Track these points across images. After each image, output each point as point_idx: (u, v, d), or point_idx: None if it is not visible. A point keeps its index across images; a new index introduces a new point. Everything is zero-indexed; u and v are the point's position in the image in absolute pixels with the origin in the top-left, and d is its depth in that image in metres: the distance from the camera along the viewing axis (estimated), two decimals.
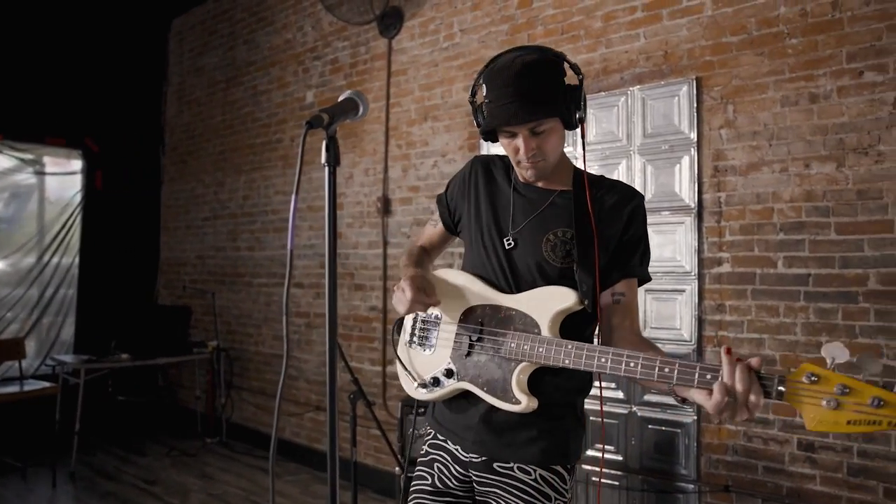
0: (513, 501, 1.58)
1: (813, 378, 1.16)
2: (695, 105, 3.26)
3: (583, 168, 1.68)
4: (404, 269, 1.80)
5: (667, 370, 1.35)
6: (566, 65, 1.59)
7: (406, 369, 1.74)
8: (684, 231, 3.30)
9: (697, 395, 1.33)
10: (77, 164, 6.19)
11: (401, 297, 1.64)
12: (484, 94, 1.58)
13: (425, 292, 1.65)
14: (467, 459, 1.65)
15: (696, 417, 3.25)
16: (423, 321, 1.77)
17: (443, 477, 1.70)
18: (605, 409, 3.44)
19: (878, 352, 2.76)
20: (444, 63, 4.36)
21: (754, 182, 3.10)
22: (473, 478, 1.66)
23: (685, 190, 3.30)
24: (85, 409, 4.82)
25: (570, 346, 1.47)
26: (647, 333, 3.37)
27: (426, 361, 1.71)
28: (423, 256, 1.91)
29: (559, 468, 1.61)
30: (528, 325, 1.56)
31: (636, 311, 1.66)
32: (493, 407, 1.59)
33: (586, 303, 1.55)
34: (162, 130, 6.82)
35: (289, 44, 5.43)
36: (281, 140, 5.46)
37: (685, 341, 3.29)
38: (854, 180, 2.84)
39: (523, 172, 1.64)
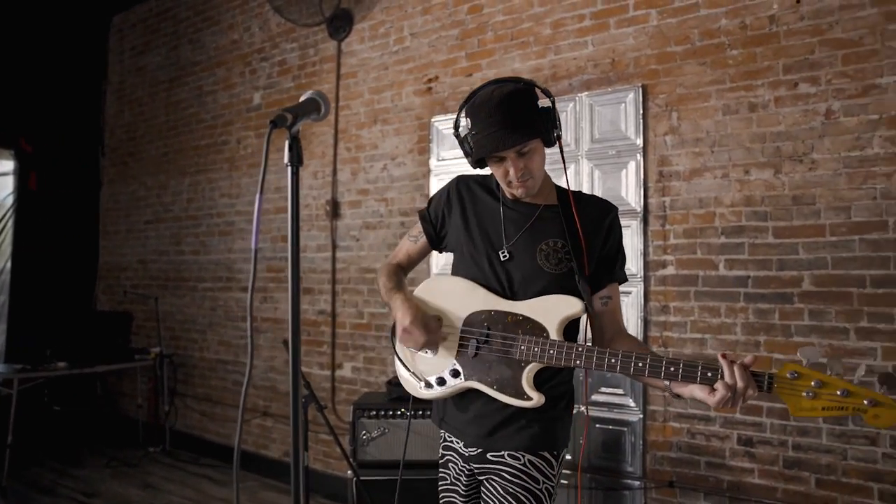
0: (505, 483, 1.72)
1: (794, 375, 1.44)
2: (641, 112, 3.34)
3: (565, 181, 1.84)
4: (391, 293, 1.88)
5: (672, 369, 1.53)
6: (538, 90, 1.75)
7: (410, 371, 1.84)
8: (631, 234, 3.37)
9: (698, 392, 1.53)
10: (9, 165, 5.92)
11: (410, 339, 1.76)
12: (469, 126, 1.74)
13: (429, 328, 1.77)
14: (467, 454, 1.81)
15: (641, 416, 3.32)
16: None
17: (455, 474, 1.87)
18: (604, 414, 3.48)
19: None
20: (394, 66, 4.35)
21: (697, 187, 3.20)
22: (474, 470, 1.81)
23: (631, 194, 3.38)
24: (18, 420, 4.61)
25: (580, 349, 1.62)
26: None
27: (430, 363, 1.81)
28: (402, 276, 2.00)
29: (546, 454, 1.74)
30: (536, 329, 1.70)
31: (620, 310, 1.87)
32: (490, 405, 1.74)
33: (589, 309, 1.71)
34: (101, 131, 6.59)
35: (235, 44, 5.33)
36: (227, 142, 5.35)
37: None
38: (790, 186, 2.96)
39: (514, 191, 1.78)
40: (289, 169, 1.30)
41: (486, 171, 1.85)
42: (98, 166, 6.59)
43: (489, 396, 1.74)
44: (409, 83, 4.28)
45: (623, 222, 3.32)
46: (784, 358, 2.95)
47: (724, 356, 1.49)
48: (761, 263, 3.03)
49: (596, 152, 3.50)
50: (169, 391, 5.57)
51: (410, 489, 2.81)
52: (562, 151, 1.86)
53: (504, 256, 1.79)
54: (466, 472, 1.83)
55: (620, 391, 3.39)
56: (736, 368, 1.47)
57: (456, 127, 1.81)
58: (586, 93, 3.53)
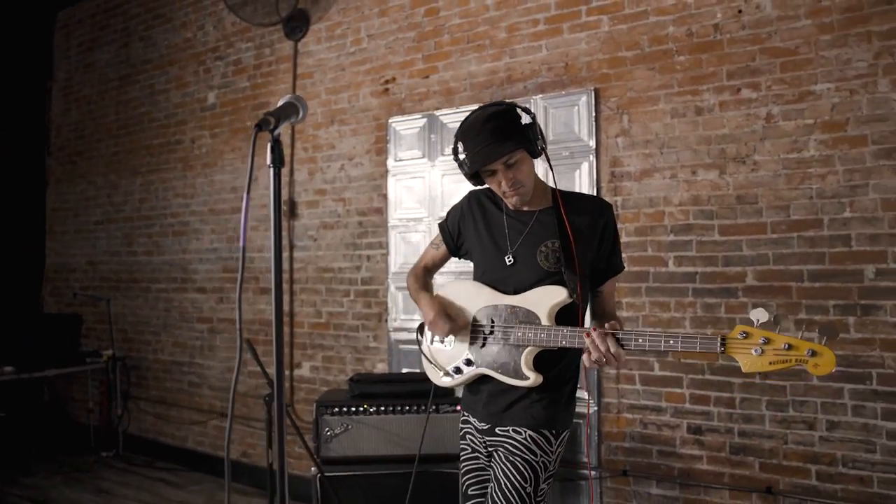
0: (507, 453, 1.96)
1: (744, 335, 1.60)
2: (593, 114, 3.46)
3: (555, 188, 2.08)
4: (418, 293, 2.18)
5: (572, 339, 1.85)
6: (518, 109, 2.00)
7: (432, 363, 2.11)
8: None
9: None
10: None
11: (437, 329, 2.05)
12: (462, 149, 1.96)
13: (449, 317, 2.04)
14: (481, 428, 2.04)
15: (596, 409, 3.44)
16: None
17: (472, 443, 2.10)
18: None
19: None
20: (351, 68, 4.38)
21: (647, 187, 3.33)
22: (487, 442, 2.04)
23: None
24: None
25: (564, 331, 1.85)
26: None
27: (448, 355, 2.08)
28: (427, 278, 2.29)
29: (546, 432, 1.95)
30: (530, 317, 1.93)
31: (613, 296, 2.15)
32: (498, 387, 1.98)
33: (574, 296, 1.91)
34: (47, 129, 6.41)
35: (189, 43, 5.26)
36: (180, 141, 5.28)
37: None
38: (734, 186, 3.11)
39: (509, 201, 2.00)
40: (271, 170, 1.33)
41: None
42: (44, 166, 6.41)
43: (498, 380, 1.97)
44: (366, 84, 4.31)
45: None
46: None
47: (587, 335, 1.78)
48: (708, 260, 3.17)
49: (550, 153, 3.54)
50: (122, 394, 5.46)
51: (376, 484, 2.85)
52: (548, 159, 2.03)
53: (509, 261, 2.02)
54: (482, 444, 2.06)
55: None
56: (595, 337, 1.76)
57: (455, 153, 2.03)
58: (541, 95, 3.63)
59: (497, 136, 1.89)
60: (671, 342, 1.71)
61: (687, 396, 3.21)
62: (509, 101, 1.99)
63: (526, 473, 1.91)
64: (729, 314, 3.10)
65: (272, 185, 1.33)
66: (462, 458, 2.15)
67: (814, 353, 1.51)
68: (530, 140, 1.95)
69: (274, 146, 1.35)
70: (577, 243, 1.95)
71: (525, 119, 1.99)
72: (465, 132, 1.96)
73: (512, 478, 1.91)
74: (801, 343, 1.54)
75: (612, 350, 1.74)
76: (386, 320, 4.13)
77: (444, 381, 2.10)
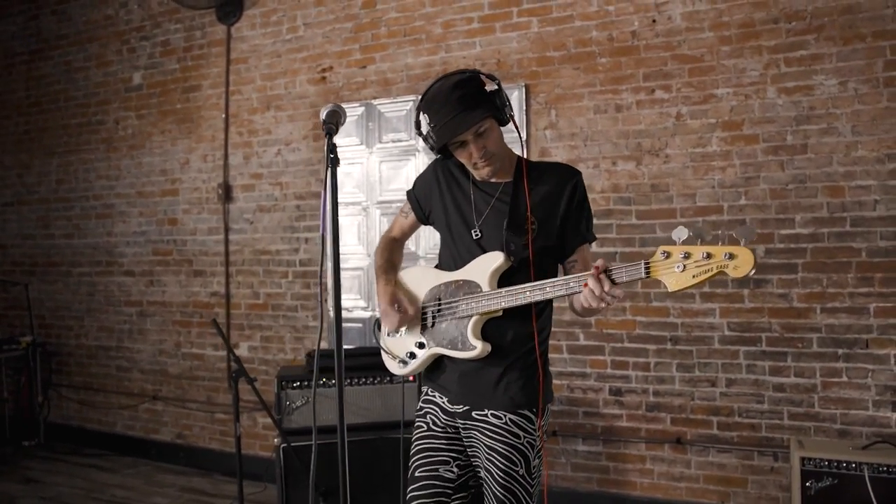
0: (489, 440, 1.93)
1: (665, 254, 1.59)
2: (524, 108, 3.84)
3: (523, 156, 2.07)
4: (378, 273, 2.15)
5: (549, 288, 1.79)
6: (482, 76, 1.93)
7: (388, 354, 2.13)
8: None
9: (578, 302, 1.80)
10: None
11: (387, 320, 2.06)
12: (427, 122, 1.90)
13: (401, 307, 2.04)
14: (453, 410, 2.00)
15: None
16: None
17: (433, 423, 2.05)
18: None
19: (667, 313, 3.55)
20: (287, 55, 4.56)
21: None
22: (459, 424, 2.00)
23: None
24: None
25: (503, 292, 1.85)
26: None
27: (401, 343, 2.10)
28: (396, 250, 2.25)
29: (526, 412, 1.93)
30: (473, 287, 1.93)
31: (589, 267, 1.92)
32: (469, 366, 1.94)
33: (513, 259, 1.90)
34: None
35: (110, 20, 5.23)
36: (103, 122, 5.27)
37: None
38: (649, 176, 3.60)
39: (480, 172, 1.94)
40: (329, 170, 1.54)
41: None
42: None
43: (462, 359, 1.94)
44: (302, 72, 4.51)
45: None
46: (646, 320, 3.60)
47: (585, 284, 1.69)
48: (626, 241, 3.65)
49: None
50: (42, 382, 5.44)
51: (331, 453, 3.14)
52: (517, 127, 2.02)
53: (476, 235, 1.98)
54: (448, 425, 2.01)
55: None
56: (589, 280, 1.66)
57: (417, 126, 1.96)
58: None
59: (465, 105, 1.82)
60: (572, 284, 1.73)
61: (609, 363, 3.69)
62: (472, 69, 1.94)
63: (514, 457, 1.89)
64: (644, 289, 3.60)
65: (329, 182, 1.51)
66: (416, 436, 2.07)
67: (731, 256, 1.49)
68: (498, 107, 1.89)
69: (332, 148, 1.57)
70: (538, 209, 1.92)
71: (490, 86, 1.92)
72: (430, 103, 1.88)
73: (502, 465, 1.89)
74: (717, 249, 1.51)
75: (606, 288, 1.64)
76: (326, 300, 4.40)
77: (401, 368, 2.10)
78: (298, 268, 4.55)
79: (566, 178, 1.98)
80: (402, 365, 2.10)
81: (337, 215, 1.48)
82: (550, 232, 1.95)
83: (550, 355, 3.74)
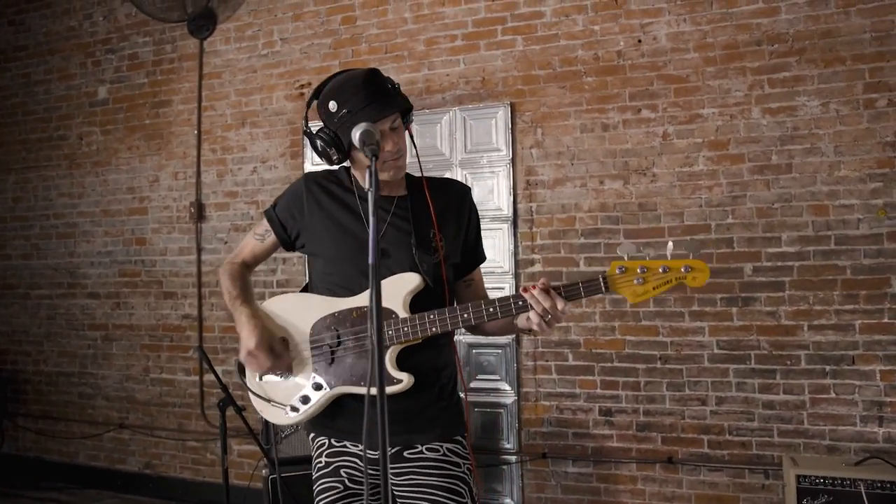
0: (430, 478, 1.77)
1: (622, 269, 1.69)
2: (510, 126, 3.89)
3: (419, 169, 1.93)
4: (235, 303, 1.87)
5: (491, 309, 1.71)
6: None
7: (268, 401, 1.82)
8: (502, 236, 3.92)
9: (524, 322, 1.71)
10: None
11: (255, 363, 1.78)
12: (336, 108, 1.72)
13: (275, 352, 1.79)
14: (375, 455, 1.68)
15: (516, 398, 3.89)
16: None
17: (351, 479, 1.82)
18: (489, 399, 3.94)
19: (656, 331, 3.62)
20: (263, 70, 4.52)
21: (560, 195, 3.81)
22: (392, 471, 1.77)
23: (503, 200, 3.92)
24: None
25: (432, 316, 1.72)
26: None
27: (287, 387, 1.82)
28: (247, 277, 1.99)
29: (458, 437, 1.84)
30: (385, 314, 1.71)
31: (483, 282, 2.03)
32: (391, 401, 1.69)
33: (427, 280, 1.78)
34: None
35: (73, 32, 5.12)
36: (66, 137, 5.13)
37: None
38: (636, 195, 3.67)
39: (387, 172, 1.79)
40: (371, 193, 1.47)
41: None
42: None
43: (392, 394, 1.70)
44: (279, 87, 4.48)
45: (495, 225, 3.91)
46: (635, 339, 3.66)
47: (524, 290, 1.68)
48: (615, 260, 3.70)
49: (469, 162, 3.99)
50: None
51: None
52: (412, 137, 1.90)
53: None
54: (372, 476, 1.76)
55: (496, 377, 3.93)
56: (536, 294, 1.64)
57: (325, 113, 1.77)
58: (459, 107, 4.01)
59: (383, 94, 1.73)
60: (520, 303, 1.68)
61: (598, 383, 3.73)
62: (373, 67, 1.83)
63: (458, 488, 1.78)
64: (633, 308, 3.66)
65: (371, 204, 1.46)
66: (328, 499, 1.82)
67: (689, 269, 1.63)
68: (407, 108, 1.82)
69: (374, 169, 1.51)
70: (442, 226, 1.85)
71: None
72: (340, 90, 1.73)
73: (448, 501, 1.77)
74: (675, 262, 1.64)
75: (559, 305, 1.64)
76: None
77: (291, 416, 1.81)
78: (276, 289, 4.49)
79: (463, 194, 1.96)
80: (290, 412, 1.81)
81: (378, 243, 1.45)
82: (455, 250, 1.89)
83: (540, 376, 3.79)
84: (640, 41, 3.66)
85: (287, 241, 1.95)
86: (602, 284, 1.69)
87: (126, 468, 4.91)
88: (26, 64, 5.30)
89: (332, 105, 1.73)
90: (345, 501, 1.81)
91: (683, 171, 3.58)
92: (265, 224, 1.97)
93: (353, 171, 1.92)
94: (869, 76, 3.31)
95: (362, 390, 1.71)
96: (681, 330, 3.58)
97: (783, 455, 3.31)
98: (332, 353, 1.79)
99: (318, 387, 1.79)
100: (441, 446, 1.81)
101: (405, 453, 1.80)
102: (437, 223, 1.84)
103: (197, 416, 4.67)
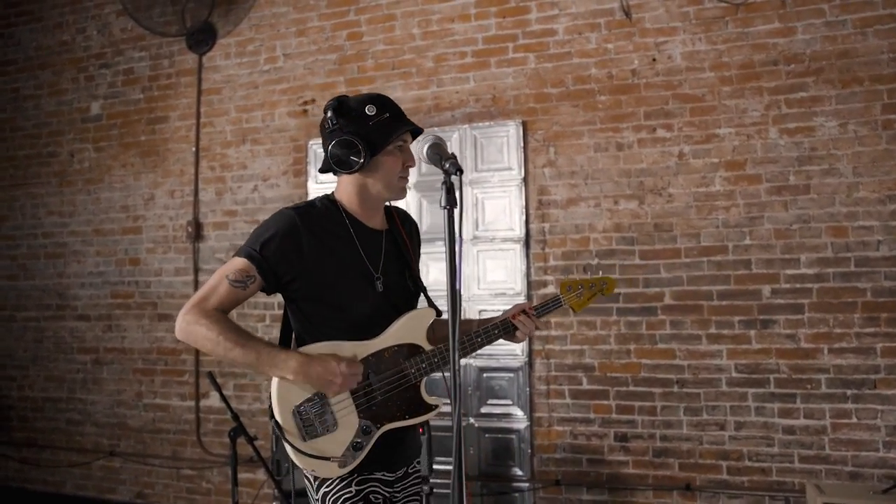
0: (415, 487, 2.07)
1: (570, 289, 2.17)
2: (521, 145, 3.92)
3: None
4: (265, 351, 1.82)
5: (496, 332, 2.03)
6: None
7: (321, 458, 1.83)
8: (514, 256, 3.94)
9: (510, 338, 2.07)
10: None
11: (353, 379, 1.84)
12: (377, 110, 1.85)
13: (348, 365, 1.83)
14: (393, 477, 1.97)
15: (528, 423, 3.89)
16: (299, 412, 1.84)
17: (378, 499, 1.94)
18: (443, 423, 3.92)
19: (673, 355, 3.65)
20: (265, 86, 4.53)
21: (573, 215, 3.84)
22: (399, 487, 2.01)
23: (514, 220, 3.94)
24: None
25: (484, 330, 2.00)
26: (483, 350, 3.95)
27: (335, 439, 1.85)
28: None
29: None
30: (412, 350, 1.92)
31: None
32: (398, 430, 1.92)
33: (437, 311, 2.01)
34: None
35: (66, 46, 5.10)
36: (56, 154, 5.10)
37: (517, 355, 3.92)
38: (652, 215, 3.71)
39: (400, 186, 1.93)
40: (446, 211, 1.53)
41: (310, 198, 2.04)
42: None
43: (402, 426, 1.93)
44: (282, 104, 4.49)
45: (507, 246, 3.93)
46: (651, 363, 3.68)
47: (514, 317, 2.02)
48: (630, 282, 3.74)
49: (479, 181, 4.02)
50: None
51: None
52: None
53: (380, 288, 1.92)
54: (390, 497, 1.97)
55: (508, 401, 3.93)
56: (524, 319, 2.02)
57: (356, 118, 1.84)
58: (469, 125, 4.04)
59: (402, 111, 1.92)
60: (510, 327, 2.03)
61: (613, 407, 3.75)
62: None
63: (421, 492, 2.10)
64: (649, 331, 3.69)
65: (447, 223, 1.51)
66: None
67: (605, 281, 2.21)
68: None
69: (451, 187, 1.55)
70: (416, 259, 2.08)
71: None
72: (375, 98, 1.89)
73: None
74: (596, 279, 2.20)
75: (537, 325, 2.04)
76: None
77: (347, 467, 1.86)
78: (276, 310, 4.47)
79: (415, 226, 2.16)
80: (341, 465, 1.85)
81: (455, 261, 1.48)
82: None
83: (553, 400, 3.79)
84: (654, 60, 3.72)
85: (276, 286, 1.88)
86: (561, 301, 2.13)
87: (116, 497, 4.84)
88: (15, 79, 5.27)
89: (371, 109, 1.84)
90: None
91: (700, 192, 3.63)
92: (247, 268, 1.82)
93: (339, 198, 1.97)
94: (887, 97, 3.38)
95: (409, 422, 1.92)
96: (698, 353, 3.60)
97: (806, 482, 3.33)
98: (371, 395, 1.88)
99: (367, 430, 1.87)
100: (418, 461, 2.12)
101: (408, 469, 2.04)
102: (412, 255, 2.05)
103: (192, 443, 4.62)
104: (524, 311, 2.03)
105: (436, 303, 2.03)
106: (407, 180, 1.94)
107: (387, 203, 2.04)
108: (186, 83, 4.74)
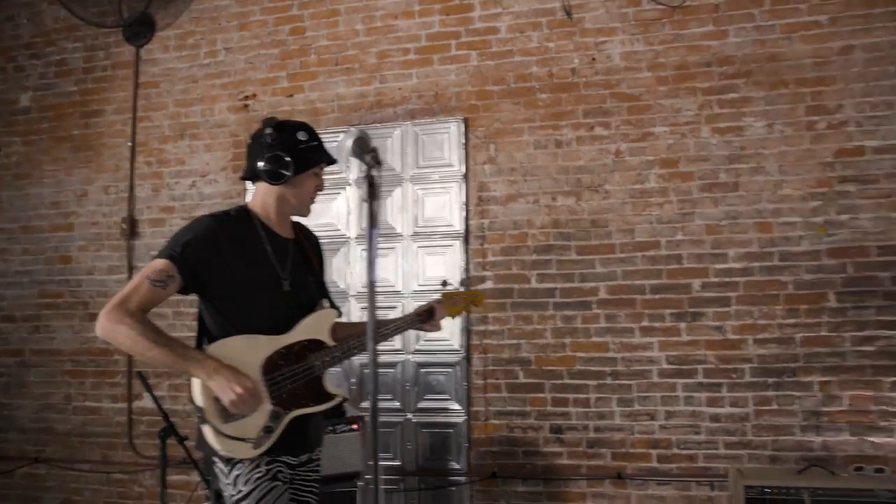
0: (315, 475, 2.27)
1: (450, 297, 2.51)
2: (463, 142, 4.02)
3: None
4: (180, 352, 1.95)
5: (402, 324, 2.43)
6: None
7: (237, 439, 1.99)
8: (453, 253, 4.02)
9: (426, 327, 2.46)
10: None
11: (252, 401, 1.97)
12: (304, 139, 2.14)
13: (253, 385, 1.98)
14: (297, 462, 2.18)
15: (466, 417, 3.96)
16: (218, 398, 1.98)
17: (283, 479, 2.13)
18: (383, 419, 3.97)
19: (606, 347, 3.77)
20: (204, 80, 4.53)
21: (512, 211, 3.95)
22: (298, 472, 2.20)
23: (454, 216, 4.03)
24: None
25: (353, 342, 2.21)
26: (421, 346, 4.03)
27: (249, 423, 2.00)
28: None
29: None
30: (316, 345, 2.17)
31: None
32: (303, 417, 2.13)
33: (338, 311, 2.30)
34: None
35: None
36: None
37: (455, 350, 3.99)
38: (588, 212, 3.84)
39: (310, 204, 2.24)
40: (366, 204, 1.59)
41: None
42: None
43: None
44: (222, 98, 4.49)
45: (446, 242, 4.02)
46: (585, 356, 3.80)
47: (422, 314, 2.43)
48: (566, 277, 3.86)
49: (420, 177, 4.10)
50: None
51: None
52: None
53: (286, 288, 2.16)
54: (293, 479, 2.18)
55: (446, 396, 4.00)
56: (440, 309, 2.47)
57: (287, 141, 2.10)
58: (411, 121, 4.12)
59: None
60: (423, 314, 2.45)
61: (549, 400, 3.85)
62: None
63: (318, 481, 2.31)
64: (584, 324, 3.81)
65: (367, 215, 1.58)
66: (272, 487, 2.07)
67: (475, 294, 2.66)
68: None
69: (372, 180, 1.61)
70: (321, 267, 2.35)
71: None
72: (307, 128, 2.18)
73: (317, 492, 2.27)
74: (469, 293, 2.83)
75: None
76: None
77: (259, 449, 2.03)
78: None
79: (317, 240, 2.42)
80: (255, 446, 2.02)
81: (373, 252, 1.56)
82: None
83: (490, 394, 3.88)
84: (594, 59, 3.87)
85: (193, 285, 2.05)
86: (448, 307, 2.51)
87: None
88: None
89: (302, 135, 2.14)
90: (284, 489, 2.13)
91: (635, 189, 3.78)
92: (167, 268, 1.98)
93: (253, 207, 2.20)
94: (811, 99, 3.60)
95: (315, 409, 2.15)
96: (631, 345, 3.74)
97: (730, 467, 3.48)
98: (280, 385, 2.08)
99: (276, 415, 2.06)
100: (319, 449, 2.31)
101: (311, 456, 2.24)
102: (315, 262, 2.32)
103: (124, 447, 4.54)
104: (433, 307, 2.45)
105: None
106: (314, 202, 2.24)
107: (293, 218, 2.28)
108: (123, 76, 4.69)
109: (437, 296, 2.55)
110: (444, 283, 3.39)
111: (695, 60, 3.74)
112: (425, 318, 2.42)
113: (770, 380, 3.57)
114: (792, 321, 3.56)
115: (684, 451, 3.66)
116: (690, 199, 3.71)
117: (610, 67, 3.84)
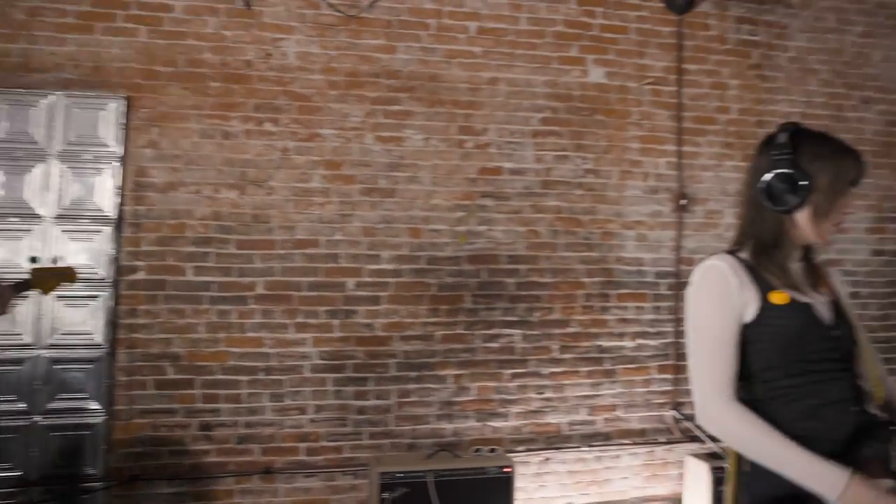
0: None
1: (39, 272, 2.74)
2: (122, 122, 3.78)
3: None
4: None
5: None
6: None
7: None
8: (102, 239, 3.75)
9: None
10: None
11: None
12: None
13: None
14: None
15: (105, 417, 3.70)
16: None
17: None
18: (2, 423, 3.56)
19: (261, 343, 3.81)
20: None
21: (172, 200, 3.81)
22: None
23: (106, 200, 3.77)
24: None
25: None
26: (55, 340, 3.69)
27: None
28: None
29: None
30: None
31: None
32: None
33: None
34: None
35: None
36: None
37: (97, 345, 3.71)
38: (251, 206, 3.86)
39: None
40: None
41: None
42: None
43: None
44: None
45: (94, 227, 3.79)
46: (239, 351, 3.79)
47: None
48: (224, 271, 3.82)
49: (70, 154, 3.76)
50: None
51: None
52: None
53: None
54: None
55: (83, 395, 3.69)
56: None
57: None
58: (64, 91, 3.77)
59: None
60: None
61: (199, 396, 3.76)
62: None
63: None
64: (240, 319, 3.80)
65: None
66: None
67: (67, 270, 2.78)
68: None
69: None
70: None
71: None
72: None
73: None
74: (60, 268, 2.92)
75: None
76: None
77: None
78: None
79: None
80: None
81: None
82: None
83: (135, 392, 3.69)
84: (269, 54, 3.91)
85: None
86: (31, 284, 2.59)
87: None
88: None
89: None
90: None
91: (299, 187, 3.89)
92: None
93: None
94: (463, 120, 4.03)
95: None
96: (285, 341, 3.82)
97: (371, 456, 3.72)
98: None
99: None
100: None
101: None
102: None
103: None
104: None
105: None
106: None
107: None
108: None
109: (25, 274, 2.58)
110: (34, 259, 3.45)
111: (365, 70, 3.98)
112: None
113: (412, 374, 3.89)
114: (434, 320, 3.92)
115: (332, 444, 3.82)
116: (351, 202, 3.91)
117: (284, 65, 3.92)
